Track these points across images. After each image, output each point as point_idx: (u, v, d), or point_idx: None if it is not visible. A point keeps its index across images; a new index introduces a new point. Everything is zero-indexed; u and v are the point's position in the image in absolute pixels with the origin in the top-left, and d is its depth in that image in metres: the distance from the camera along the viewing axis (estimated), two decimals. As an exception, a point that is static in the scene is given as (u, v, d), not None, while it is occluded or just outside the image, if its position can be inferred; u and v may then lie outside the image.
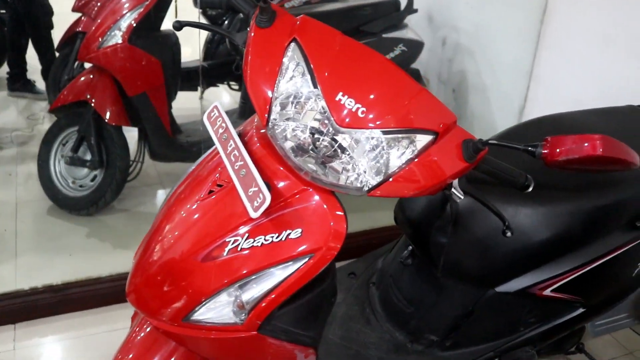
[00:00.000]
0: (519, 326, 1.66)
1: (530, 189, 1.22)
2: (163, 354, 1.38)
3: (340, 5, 3.02)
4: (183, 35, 2.94)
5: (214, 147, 1.31)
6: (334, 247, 1.16)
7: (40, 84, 4.16)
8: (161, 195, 3.29)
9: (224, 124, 1.26)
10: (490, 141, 1.12)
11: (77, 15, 3.28)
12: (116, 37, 2.71)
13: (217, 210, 1.22)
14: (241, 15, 2.76)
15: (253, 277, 1.17)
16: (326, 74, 1.11)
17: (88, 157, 2.86)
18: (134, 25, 2.73)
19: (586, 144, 1.06)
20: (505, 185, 1.21)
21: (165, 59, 2.88)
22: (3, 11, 4.27)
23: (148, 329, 1.42)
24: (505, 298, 1.58)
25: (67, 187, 2.95)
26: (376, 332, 1.76)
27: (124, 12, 2.75)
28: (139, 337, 1.43)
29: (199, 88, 3.81)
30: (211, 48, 3.73)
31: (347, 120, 1.08)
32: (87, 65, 2.99)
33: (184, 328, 1.24)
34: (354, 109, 1.08)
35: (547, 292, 1.58)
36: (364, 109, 1.08)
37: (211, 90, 3.87)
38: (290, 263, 1.16)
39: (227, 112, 3.31)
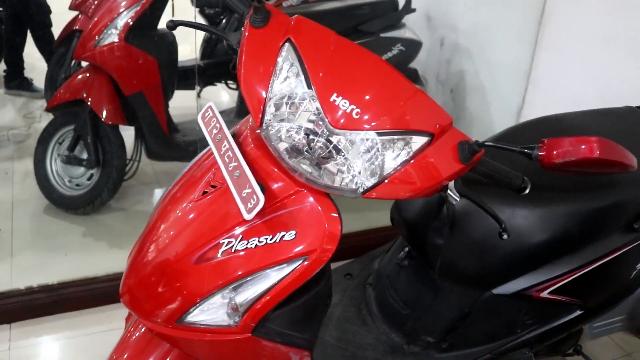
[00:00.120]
0: (516, 328, 1.65)
1: (527, 191, 1.21)
2: (157, 355, 1.37)
3: (339, 5, 3.01)
4: (180, 34, 2.94)
5: (208, 147, 1.30)
6: (328, 249, 1.15)
7: (39, 83, 4.14)
8: (158, 194, 3.28)
9: (218, 124, 1.25)
10: (486, 143, 1.11)
11: (75, 13, 3.27)
12: (112, 36, 2.70)
13: (211, 211, 1.21)
14: (238, 14, 2.75)
15: (247, 279, 1.16)
16: (320, 74, 1.10)
17: (84, 156, 2.85)
18: (131, 23, 2.71)
19: (583, 146, 1.05)
20: (502, 187, 1.20)
21: (162, 58, 2.87)
22: (0, 9, 4.26)
23: (142, 330, 1.42)
24: (502, 300, 1.58)
25: (64, 186, 2.94)
26: (372, 334, 1.75)
27: (121, 10, 2.73)
28: (133, 338, 1.43)
29: (197, 87, 3.80)
30: (208, 47, 3.72)
31: (341, 121, 1.07)
32: (84, 63, 2.97)
33: (177, 330, 1.23)
34: (348, 110, 1.07)
35: (545, 294, 1.57)
36: (359, 110, 1.07)
37: (209, 90, 3.86)
38: (285, 265, 1.15)
39: (224, 112, 3.32)
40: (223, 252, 1.16)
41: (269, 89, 1.13)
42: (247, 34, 1.19)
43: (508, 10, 2.89)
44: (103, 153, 2.84)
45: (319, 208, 1.15)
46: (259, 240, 1.15)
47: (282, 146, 1.12)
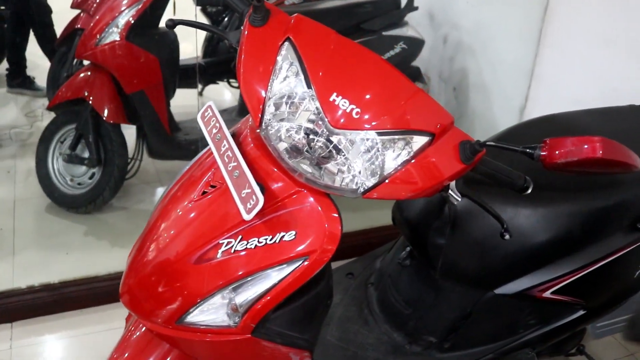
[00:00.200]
0: (519, 328, 1.64)
1: (529, 191, 1.20)
2: (158, 355, 1.37)
3: (340, 3, 3.00)
4: (182, 32, 2.93)
5: (208, 146, 1.29)
6: (328, 250, 1.15)
7: (41, 81, 4.14)
8: (160, 192, 3.27)
9: (217, 124, 1.25)
10: (487, 142, 1.10)
11: (77, 12, 3.27)
12: (114, 35, 2.69)
13: (211, 211, 1.20)
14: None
15: (247, 279, 1.15)
16: (320, 74, 1.09)
17: (86, 154, 2.85)
18: (132, 22, 2.71)
19: (586, 146, 1.04)
20: (504, 187, 1.19)
21: (164, 57, 2.86)
22: (2, 7, 4.26)
23: (143, 329, 1.41)
24: (504, 300, 1.57)
25: (65, 184, 2.94)
26: (374, 334, 1.74)
27: (122, 9, 2.73)
28: (133, 337, 1.43)
29: (198, 85, 3.80)
30: (210, 45, 3.71)
31: (341, 121, 1.06)
32: (86, 62, 2.97)
33: (177, 330, 1.22)
34: (348, 110, 1.06)
35: (547, 294, 1.56)
36: (359, 109, 1.06)
37: (211, 88, 3.86)
38: (285, 265, 1.14)
39: (226, 110, 3.31)
40: (222, 252, 1.15)
41: (269, 88, 1.13)
42: (246, 33, 1.18)
43: (511, 7, 2.87)
44: (104, 152, 2.84)
45: (319, 208, 1.14)
46: (258, 241, 1.14)
47: (282, 146, 1.11)
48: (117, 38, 2.70)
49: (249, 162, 1.16)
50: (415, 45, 3.05)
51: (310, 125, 1.09)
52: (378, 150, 1.07)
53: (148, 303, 1.24)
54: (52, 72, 3.68)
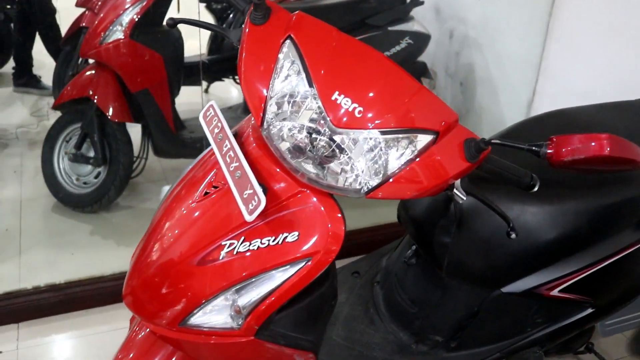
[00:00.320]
0: (526, 327, 1.62)
1: (536, 189, 1.18)
2: (162, 356, 1.36)
3: (346, -2, 2.97)
4: (187, 30, 2.92)
5: (210, 147, 1.28)
6: (332, 250, 1.13)
7: (48, 80, 4.14)
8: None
9: (219, 124, 1.23)
10: (493, 140, 1.08)
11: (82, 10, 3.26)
12: (118, 33, 2.68)
13: (213, 212, 1.19)
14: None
15: (249, 281, 1.14)
16: (322, 72, 1.07)
17: (91, 154, 2.84)
18: (136, 20, 2.69)
19: (593, 144, 1.02)
20: (510, 185, 1.18)
21: (168, 55, 2.85)
22: (8, 7, 4.27)
23: (147, 330, 1.40)
24: (512, 299, 1.55)
25: (71, 184, 2.94)
26: (380, 333, 1.73)
27: (126, 6, 2.71)
28: (138, 338, 1.42)
29: (204, 83, 3.78)
30: (215, 42, 3.69)
31: (343, 120, 1.05)
32: (91, 60, 2.96)
33: (180, 333, 1.22)
34: (350, 109, 1.05)
35: (555, 292, 1.54)
36: (361, 108, 1.05)
37: (218, 85, 3.85)
38: (288, 267, 1.13)
39: (231, 108, 3.29)
40: (225, 254, 1.15)
41: (270, 87, 1.11)
42: (247, 31, 1.17)
43: (518, 1, 2.84)
44: (110, 151, 2.83)
45: (322, 209, 1.13)
46: (261, 242, 1.13)
47: (284, 146, 1.10)
48: (121, 36, 2.69)
49: (251, 162, 1.15)
50: (421, 40, 3.02)
51: (313, 125, 1.07)
52: (381, 150, 1.06)
53: (151, 305, 1.23)
54: (58, 71, 3.67)
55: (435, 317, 1.68)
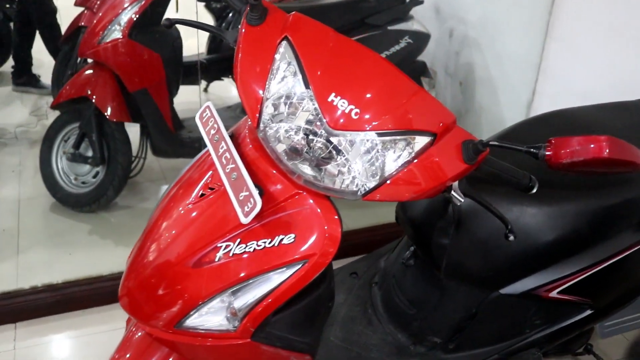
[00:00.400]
0: (525, 328, 1.62)
1: (535, 190, 1.17)
2: (159, 357, 1.35)
3: (345, -3, 2.96)
4: (187, 29, 2.90)
5: (206, 148, 1.27)
6: (329, 252, 1.13)
7: (47, 79, 4.13)
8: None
9: (215, 125, 1.23)
10: (491, 142, 1.08)
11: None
12: (116, 32, 2.67)
13: (209, 214, 1.18)
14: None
15: (245, 283, 1.14)
16: (318, 73, 1.07)
17: (90, 153, 2.84)
18: (135, 19, 2.68)
19: (592, 146, 1.01)
20: (509, 186, 1.17)
21: (166, 54, 2.84)
22: (8, 5, 4.26)
23: (144, 331, 1.40)
24: (510, 300, 1.54)
25: (70, 183, 2.93)
26: (378, 334, 1.72)
27: (125, 5, 2.71)
28: (135, 338, 1.41)
29: (203, 82, 3.77)
30: (215, 41, 3.68)
31: (340, 122, 1.04)
32: (90, 60, 2.95)
33: (176, 335, 1.21)
34: (347, 111, 1.04)
35: (554, 294, 1.54)
36: (358, 110, 1.04)
37: (218, 85, 3.84)
38: (284, 269, 1.13)
39: (230, 107, 3.27)
40: (221, 256, 1.14)
41: (266, 88, 1.10)
42: (243, 31, 1.16)
43: (517, 0, 2.83)
44: (108, 150, 2.83)
45: (319, 210, 1.12)
46: (257, 244, 1.12)
47: (281, 147, 1.09)
48: (120, 36, 2.68)
49: (248, 164, 1.14)
50: (420, 39, 3.01)
51: (309, 126, 1.06)
52: (378, 151, 1.05)
53: (147, 306, 1.23)
54: (57, 70, 3.66)
55: (434, 318, 1.67)
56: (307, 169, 1.09)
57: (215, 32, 1.35)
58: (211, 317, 1.18)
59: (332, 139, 1.05)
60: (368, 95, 1.06)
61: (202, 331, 1.19)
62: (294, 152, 1.08)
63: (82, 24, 3.16)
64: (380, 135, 1.04)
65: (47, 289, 2.38)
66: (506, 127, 1.80)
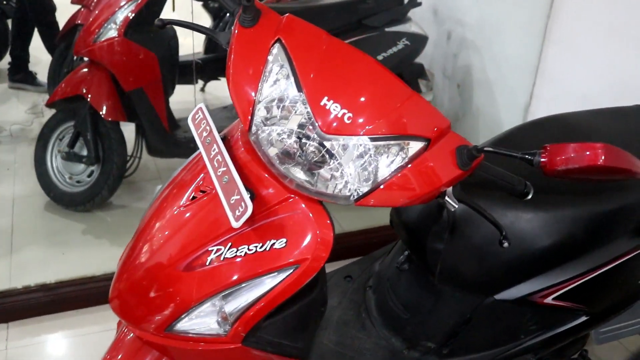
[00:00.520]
0: (519, 334, 1.60)
1: (530, 197, 1.16)
2: (151, 359, 1.34)
3: (343, -2, 2.95)
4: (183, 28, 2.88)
5: (198, 150, 1.26)
6: (321, 257, 1.12)
7: (43, 77, 4.12)
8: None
9: (208, 127, 1.22)
10: (485, 148, 1.06)
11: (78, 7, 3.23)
12: (112, 31, 2.66)
13: (200, 217, 1.17)
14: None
15: (236, 287, 1.13)
16: (311, 76, 1.06)
17: (84, 152, 2.82)
18: (131, 17, 2.67)
19: (587, 153, 1.00)
20: (504, 192, 1.16)
21: (162, 54, 2.82)
22: (5, 2, 4.24)
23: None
24: (505, 306, 1.53)
25: (64, 182, 2.91)
26: (372, 338, 1.71)
27: (121, 4, 2.69)
28: (126, 340, 1.40)
29: (200, 82, 3.76)
30: (212, 41, 3.66)
31: (333, 126, 1.03)
32: (86, 58, 2.93)
33: (167, 339, 1.20)
34: (339, 115, 1.03)
35: (549, 300, 1.52)
36: (351, 114, 1.03)
37: (215, 85, 3.82)
38: (276, 273, 1.12)
39: (227, 107, 3.25)
40: (212, 260, 1.13)
41: (258, 91, 1.09)
42: (236, 33, 1.15)
43: (516, 2, 2.82)
44: (103, 150, 2.81)
45: (311, 215, 1.11)
46: (248, 248, 1.11)
47: (273, 151, 1.08)
48: (115, 35, 2.66)
49: (240, 167, 1.13)
50: (418, 41, 3.00)
51: (302, 130, 1.05)
52: (371, 156, 1.04)
53: (138, 309, 1.22)
54: (53, 68, 3.65)
55: (428, 323, 1.66)
56: (299, 173, 1.08)
57: (207, 33, 1.34)
58: (202, 321, 1.17)
59: (325, 143, 1.04)
60: (361, 99, 1.05)
61: (193, 335, 1.18)
62: (286, 155, 1.07)
63: (79, 22, 3.14)
64: (373, 140, 1.03)
65: (40, 288, 2.37)
66: (503, 130, 1.79)
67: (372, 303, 1.79)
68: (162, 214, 1.25)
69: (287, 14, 1.14)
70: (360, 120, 1.03)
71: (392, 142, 1.04)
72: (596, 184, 1.51)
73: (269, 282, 1.12)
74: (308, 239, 1.10)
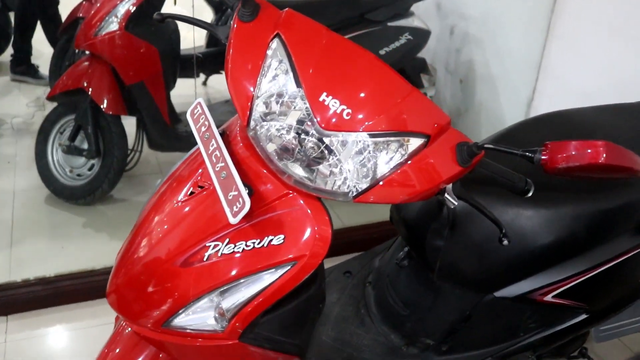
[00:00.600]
0: (519, 332, 1.60)
1: (530, 194, 1.15)
2: (149, 353, 1.34)
3: (345, -8, 2.93)
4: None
5: (196, 145, 1.25)
6: (319, 254, 1.11)
7: (45, 70, 4.11)
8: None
9: (206, 122, 1.21)
10: (486, 145, 1.05)
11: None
12: (113, 25, 2.64)
13: (198, 213, 1.16)
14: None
15: (234, 283, 1.12)
16: (310, 71, 1.05)
17: (85, 146, 2.81)
18: (132, 11, 2.66)
19: (588, 151, 0.99)
20: (504, 189, 1.15)
21: (164, 47, 2.81)
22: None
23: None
24: (504, 303, 1.52)
25: (65, 176, 2.91)
26: (371, 334, 1.70)
27: (122, -3, 2.68)
28: (124, 334, 1.40)
29: (202, 75, 3.74)
30: (214, 35, 3.65)
31: (331, 122, 1.02)
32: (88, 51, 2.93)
33: (164, 334, 1.20)
34: (338, 111, 1.02)
35: (549, 297, 1.52)
36: (350, 110, 1.02)
37: (215, 78, 3.81)
38: (273, 270, 1.11)
39: (228, 101, 3.23)
40: (209, 255, 1.13)
41: (257, 86, 1.08)
42: (235, 27, 1.14)
43: (519, -3, 2.81)
44: (104, 143, 2.80)
45: (309, 211, 1.11)
46: (246, 244, 1.11)
47: (271, 147, 1.08)
48: (116, 28, 2.65)
49: (238, 163, 1.13)
50: (421, 36, 2.98)
51: (301, 125, 1.04)
52: (370, 153, 1.03)
53: (136, 304, 1.21)
54: (54, 62, 3.64)
55: (427, 319, 1.65)
56: (297, 170, 1.07)
57: (206, 27, 1.33)
58: (199, 317, 1.16)
59: (324, 139, 1.04)
60: (361, 95, 1.04)
61: (190, 331, 1.17)
62: (285, 151, 1.07)
63: (80, 15, 3.13)
64: (372, 136, 1.02)
65: (39, 282, 2.36)
66: (505, 125, 1.78)
67: (372, 299, 1.78)
68: (161, 209, 1.24)
69: (286, 9, 1.13)
70: (360, 116, 1.02)
71: (391, 138, 1.03)
72: (597, 182, 1.50)
73: (266, 279, 1.11)
74: (306, 235, 1.10)
